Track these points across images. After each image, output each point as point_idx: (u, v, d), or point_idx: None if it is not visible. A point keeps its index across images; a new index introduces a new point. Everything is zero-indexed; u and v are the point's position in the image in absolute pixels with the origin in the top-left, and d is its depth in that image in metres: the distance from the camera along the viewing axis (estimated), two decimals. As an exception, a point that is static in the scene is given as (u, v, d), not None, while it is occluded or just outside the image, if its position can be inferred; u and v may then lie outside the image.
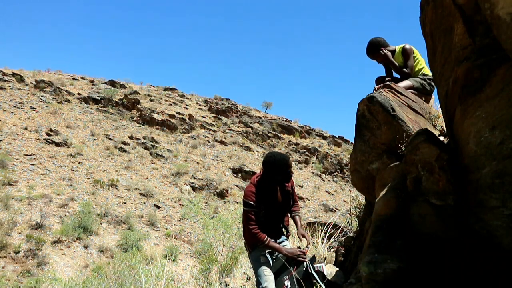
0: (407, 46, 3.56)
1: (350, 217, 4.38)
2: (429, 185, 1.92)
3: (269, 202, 3.02)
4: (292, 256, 2.94)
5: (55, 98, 26.33)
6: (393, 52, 3.64)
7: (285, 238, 3.26)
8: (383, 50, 3.58)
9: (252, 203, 2.95)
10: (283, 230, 3.28)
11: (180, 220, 17.80)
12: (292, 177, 3.22)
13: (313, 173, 27.47)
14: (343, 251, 3.50)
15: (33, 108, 23.87)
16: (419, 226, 1.93)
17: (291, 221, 3.39)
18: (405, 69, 3.52)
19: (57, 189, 16.71)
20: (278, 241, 3.18)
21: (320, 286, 2.82)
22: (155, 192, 19.50)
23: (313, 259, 2.99)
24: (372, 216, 2.35)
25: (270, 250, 3.02)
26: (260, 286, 2.90)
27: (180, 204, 19.21)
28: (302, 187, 24.59)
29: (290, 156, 28.86)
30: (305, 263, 2.97)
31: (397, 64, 3.58)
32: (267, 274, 2.94)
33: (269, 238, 2.94)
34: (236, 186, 22.60)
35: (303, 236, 3.12)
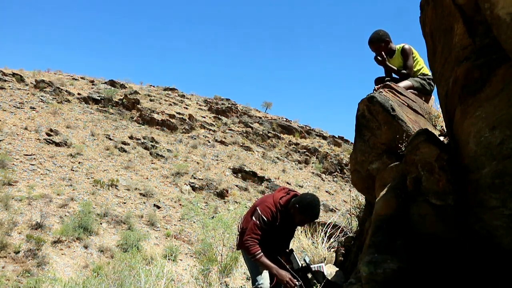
0: (406, 46, 3.55)
1: (350, 217, 4.38)
2: (429, 185, 1.92)
3: (278, 227, 2.97)
4: (281, 280, 2.81)
5: (55, 98, 26.32)
6: (393, 51, 3.64)
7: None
8: (383, 55, 3.59)
9: (266, 220, 2.88)
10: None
11: (180, 220, 17.80)
12: None
13: (313, 173, 27.47)
14: (343, 251, 3.50)
15: (33, 108, 23.86)
16: (419, 226, 1.93)
17: None
18: (404, 71, 3.52)
19: (57, 189, 16.70)
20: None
21: (320, 286, 2.82)
22: (155, 192, 19.50)
23: (308, 263, 2.99)
24: (372, 216, 2.35)
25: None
26: (256, 284, 2.91)
27: (180, 204, 19.21)
28: (302, 187, 24.58)
29: (290, 156, 28.87)
30: (299, 262, 2.96)
31: (395, 68, 3.58)
32: (263, 272, 2.95)
33: (262, 254, 2.85)
34: (236, 186, 22.60)
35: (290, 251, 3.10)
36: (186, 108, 31.64)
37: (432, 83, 3.47)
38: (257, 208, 2.95)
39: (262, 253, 2.84)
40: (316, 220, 3.24)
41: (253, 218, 2.91)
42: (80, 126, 24.12)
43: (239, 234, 3.18)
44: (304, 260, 3.02)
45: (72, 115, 25.09)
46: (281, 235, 3.08)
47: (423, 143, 1.98)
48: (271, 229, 2.94)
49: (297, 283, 2.80)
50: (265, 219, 2.87)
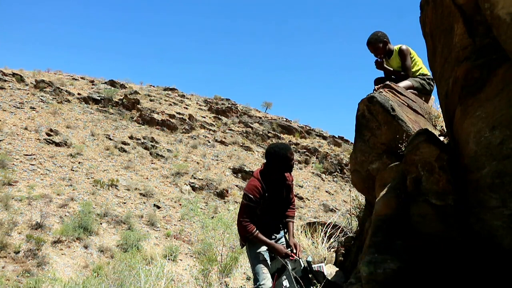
0: (404, 47, 3.56)
1: (350, 217, 4.38)
2: (429, 185, 1.92)
3: (271, 196, 3.03)
4: (279, 254, 2.96)
5: (55, 98, 26.31)
6: (391, 52, 3.64)
7: (283, 234, 3.26)
8: (381, 58, 3.62)
9: (253, 197, 2.95)
10: (281, 226, 3.27)
11: (180, 220, 17.79)
12: (292, 173, 3.24)
13: (313, 173, 27.46)
14: (343, 251, 3.50)
15: (33, 108, 23.86)
16: (419, 226, 1.93)
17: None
18: (402, 72, 3.54)
19: (57, 189, 16.70)
20: (277, 236, 3.18)
21: (320, 286, 2.82)
22: (155, 192, 19.50)
23: (309, 263, 2.99)
24: (372, 216, 2.35)
25: (266, 248, 3.03)
26: (258, 283, 2.92)
27: (180, 204, 19.21)
28: (302, 187, 24.58)
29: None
30: (302, 262, 2.97)
31: (391, 69, 3.61)
32: (265, 272, 2.96)
33: (257, 231, 2.95)
34: (236, 186, 22.59)
35: (294, 245, 3.09)
36: (186, 108, 31.63)
37: (432, 83, 3.48)
38: (244, 191, 3.05)
39: (257, 231, 2.95)
40: (316, 220, 3.28)
41: (242, 200, 3.03)
42: (80, 126, 24.11)
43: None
44: (307, 260, 3.03)
45: (72, 115, 25.08)
46: (278, 200, 3.13)
47: (423, 143, 1.98)
48: (266, 200, 3.00)
49: (289, 252, 2.99)
50: (251, 196, 2.95)
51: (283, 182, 3.16)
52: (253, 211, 2.97)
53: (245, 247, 3.16)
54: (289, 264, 2.94)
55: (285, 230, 3.26)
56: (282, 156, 3.00)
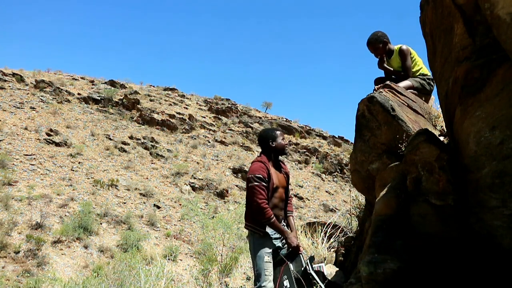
0: (404, 47, 3.55)
1: (350, 217, 4.39)
2: (429, 185, 1.92)
3: (274, 181, 3.00)
4: (291, 244, 2.92)
5: (55, 98, 26.31)
6: (391, 52, 3.64)
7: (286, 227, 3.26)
8: (383, 57, 3.62)
9: (261, 176, 2.88)
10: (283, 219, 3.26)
11: (180, 220, 17.79)
12: (287, 166, 3.28)
13: (313, 173, 27.46)
14: (343, 251, 3.50)
15: (33, 108, 23.86)
16: (419, 226, 1.93)
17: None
18: (402, 72, 3.54)
19: (57, 189, 16.70)
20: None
21: (320, 286, 2.82)
22: (155, 192, 19.50)
23: (311, 259, 2.99)
24: (372, 216, 2.35)
25: (270, 250, 3.00)
26: (259, 284, 2.90)
27: (180, 204, 19.21)
28: (302, 187, 24.58)
29: (290, 156, 28.86)
30: (303, 262, 2.97)
31: (391, 69, 3.62)
32: (268, 274, 2.94)
33: (275, 218, 2.88)
34: (236, 186, 22.60)
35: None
36: (186, 108, 31.63)
37: (432, 83, 3.48)
38: (248, 176, 2.97)
39: (274, 217, 2.87)
40: (316, 220, 3.28)
41: (250, 184, 2.90)
42: (80, 126, 24.11)
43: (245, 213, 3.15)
44: (308, 258, 3.02)
45: (72, 115, 25.09)
46: (281, 186, 3.11)
47: (423, 143, 1.98)
48: (269, 183, 2.96)
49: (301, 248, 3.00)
50: (259, 175, 2.89)
51: (281, 170, 3.16)
52: (266, 191, 2.86)
53: (248, 245, 3.14)
54: (290, 265, 2.93)
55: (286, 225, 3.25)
56: (272, 134, 3.09)
